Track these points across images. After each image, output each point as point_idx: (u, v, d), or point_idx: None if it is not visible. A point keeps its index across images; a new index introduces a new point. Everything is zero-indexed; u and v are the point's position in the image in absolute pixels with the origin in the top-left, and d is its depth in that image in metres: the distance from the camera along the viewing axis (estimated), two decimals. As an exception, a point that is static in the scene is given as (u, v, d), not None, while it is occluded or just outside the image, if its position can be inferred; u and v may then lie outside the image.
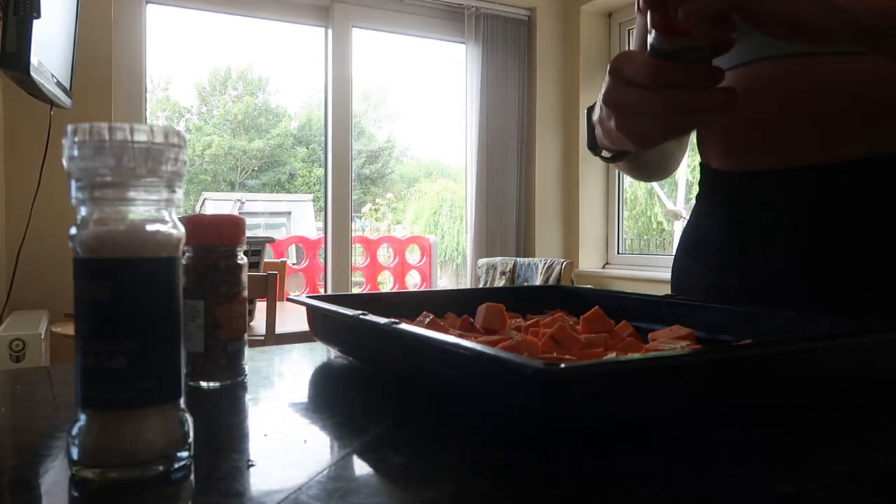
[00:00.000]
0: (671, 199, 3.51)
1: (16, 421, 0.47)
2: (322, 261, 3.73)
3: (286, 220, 6.33)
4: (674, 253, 0.84)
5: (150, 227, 0.35)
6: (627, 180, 3.57)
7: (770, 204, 0.67)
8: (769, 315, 0.59)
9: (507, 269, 3.12)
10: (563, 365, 0.35)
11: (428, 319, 0.59)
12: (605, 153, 0.69)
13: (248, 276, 0.58)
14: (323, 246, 3.51)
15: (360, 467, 0.36)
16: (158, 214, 0.36)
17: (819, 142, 0.63)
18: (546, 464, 0.36)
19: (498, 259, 3.21)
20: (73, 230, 0.34)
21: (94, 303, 0.34)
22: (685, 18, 0.45)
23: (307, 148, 10.26)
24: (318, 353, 0.68)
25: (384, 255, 4.92)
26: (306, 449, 0.39)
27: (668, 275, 0.85)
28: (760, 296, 0.67)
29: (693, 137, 0.82)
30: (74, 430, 0.34)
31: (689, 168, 3.35)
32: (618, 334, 0.58)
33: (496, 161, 3.39)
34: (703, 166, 0.77)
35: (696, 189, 0.82)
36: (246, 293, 0.56)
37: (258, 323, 1.98)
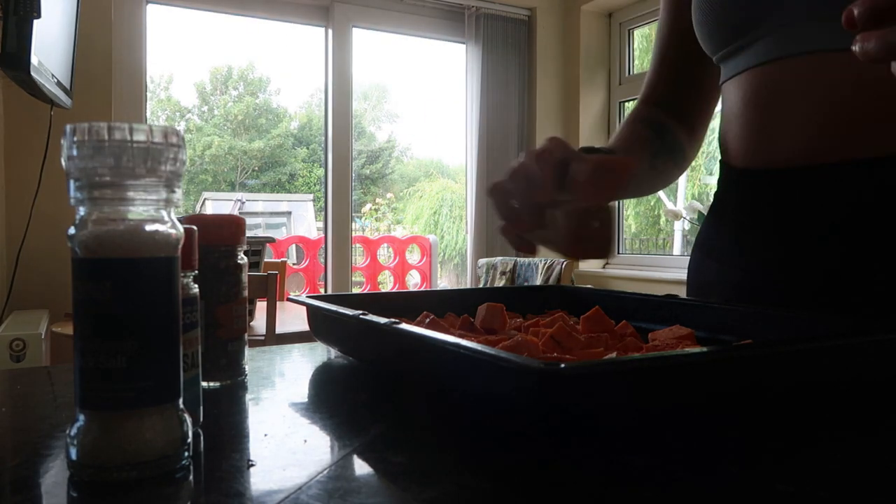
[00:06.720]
0: (671, 199, 3.50)
1: (16, 421, 0.47)
2: (322, 261, 3.74)
3: (286, 220, 6.34)
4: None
5: (148, 227, 0.35)
6: (627, 180, 3.56)
7: (794, 201, 0.67)
8: (770, 315, 0.58)
9: (507, 269, 3.12)
10: (562, 365, 0.35)
11: (428, 320, 0.59)
12: None
13: (248, 276, 0.58)
14: (323, 246, 3.52)
15: (360, 467, 0.36)
16: (157, 214, 0.35)
17: (845, 139, 0.62)
18: (546, 464, 0.36)
19: (498, 259, 3.21)
20: (72, 230, 0.34)
21: (93, 303, 0.34)
22: None
23: (307, 148, 10.27)
24: (318, 353, 0.68)
25: (384, 255, 4.92)
26: (306, 449, 0.39)
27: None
28: (783, 294, 0.67)
29: (715, 135, 0.82)
30: (73, 430, 0.34)
31: (689, 168, 3.34)
32: (618, 334, 0.58)
33: (496, 161, 3.38)
34: (724, 164, 0.77)
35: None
36: (246, 293, 0.56)
37: (258, 323, 1.98)
